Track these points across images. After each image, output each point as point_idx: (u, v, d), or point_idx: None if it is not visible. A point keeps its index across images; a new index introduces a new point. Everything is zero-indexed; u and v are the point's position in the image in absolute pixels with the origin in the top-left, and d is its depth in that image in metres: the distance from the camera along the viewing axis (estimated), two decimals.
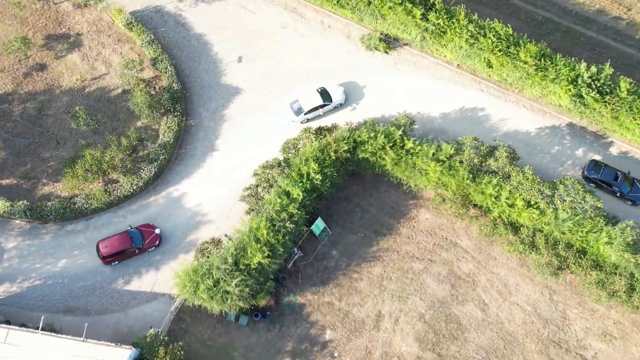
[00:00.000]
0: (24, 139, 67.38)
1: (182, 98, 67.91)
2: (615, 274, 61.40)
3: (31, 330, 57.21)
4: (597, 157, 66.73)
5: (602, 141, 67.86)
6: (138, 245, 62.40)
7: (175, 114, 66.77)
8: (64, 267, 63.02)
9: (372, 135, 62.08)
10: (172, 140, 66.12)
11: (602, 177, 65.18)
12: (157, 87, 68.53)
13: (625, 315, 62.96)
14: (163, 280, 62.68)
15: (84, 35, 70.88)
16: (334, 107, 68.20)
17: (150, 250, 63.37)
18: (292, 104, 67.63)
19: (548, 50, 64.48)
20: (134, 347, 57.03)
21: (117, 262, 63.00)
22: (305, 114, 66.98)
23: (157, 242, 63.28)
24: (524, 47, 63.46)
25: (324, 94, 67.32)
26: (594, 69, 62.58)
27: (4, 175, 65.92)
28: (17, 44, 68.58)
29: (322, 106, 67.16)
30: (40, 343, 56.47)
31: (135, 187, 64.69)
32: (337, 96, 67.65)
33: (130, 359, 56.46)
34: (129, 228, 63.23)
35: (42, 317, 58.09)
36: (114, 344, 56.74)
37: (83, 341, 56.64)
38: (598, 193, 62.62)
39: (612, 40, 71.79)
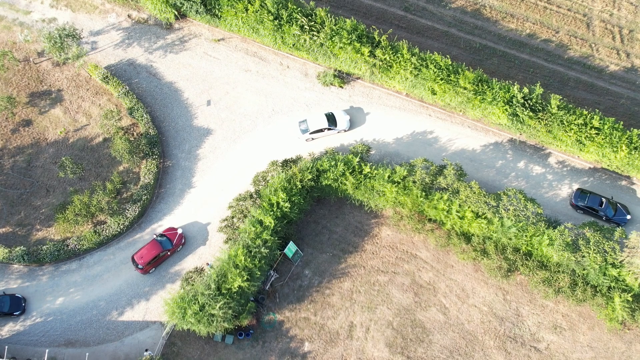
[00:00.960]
0: (16, 189, 73.47)
1: (159, 142, 74.46)
2: (559, 272, 68.62)
3: None
4: (580, 185, 73.39)
5: (541, 153, 75.22)
6: (168, 248, 69.53)
7: (154, 157, 73.30)
8: (61, 304, 69.04)
9: (332, 163, 68.99)
10: (152, 181, 72.58)
11: (588, 204, 71.91)
12: (135, 133, 75.03)
13: (572, 308, 70.07)
14: (153, 308, 68.89)
15: (64, 90, 77.29)
16: (337, 132, 74.85)
17: (178, 249, 70.53)
18: (300, 122, 74.54)
19: (485, 75, 71.83)
20: None
21: (154, 269, 69.91)
22: (310, 133, 73.67)
23: (183, 240, 70.75)
24: (463, 74, 70.81)
25: (331, 119, 74.21)
26: (526, 89, 70.06)
27: None
28: (4, 103, 74.87)
29: (327, 129, 73.86)
30: None
31: (122, 227, 71.00)
32: (342, 123, 74.57)
33: None
34: (155, 236, 69.85)
35: (47, 350, 64.14)
36: None
37: None
38: (586, 218, 69.87)
39: (544, 60, 79.46)
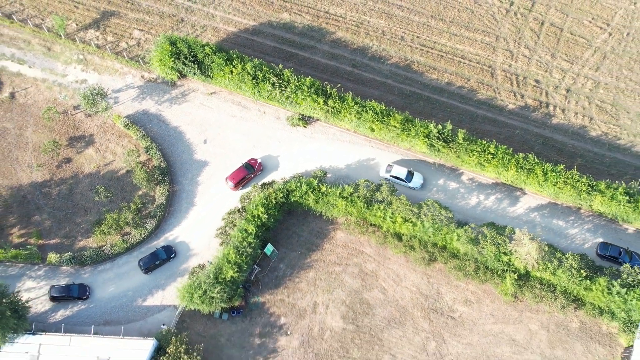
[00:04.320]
0: (61, 211, 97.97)
1: (168, 172, 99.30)
2: (467, 259, 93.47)
3: (86, 335, 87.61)
4: (603, 239, 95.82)
5: (455, 172, 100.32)
6: (251, 172, 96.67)
7: (165, 183, 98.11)
8: (100, 295, 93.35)
9: (298, 185, 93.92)
10: (164, 201, 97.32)
11: (610, 254, 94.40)
12: (150, 166, 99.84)
13: (478, 286, 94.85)
14: (168, 295, 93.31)
15: (95, 135, 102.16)
16: (408, 187, 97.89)
17: (258, 174, 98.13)
18: (388, 164, 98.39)
19: (410, 116, 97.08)
20: (155, 338, 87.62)
21: (242, 187, 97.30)
22: (391, 175, 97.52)
23: (262, 168, 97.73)
24: (393, 116, 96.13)
25: (409, 175, 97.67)
26: (440, 126, 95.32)
27: (51, 237, 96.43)
28: (50, 146, 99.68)
29: (402, 180, 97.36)
30: (93, 343, 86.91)
31: (142, 236, 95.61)
32: (415, 182, 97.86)
33: (153, 346, 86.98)
34: (241, 164, 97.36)
35: (92, 326, 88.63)
36: (142, 337, 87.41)
37: (122, 338, 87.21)
38: (608, 265, 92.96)
39: (459, 102, 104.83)
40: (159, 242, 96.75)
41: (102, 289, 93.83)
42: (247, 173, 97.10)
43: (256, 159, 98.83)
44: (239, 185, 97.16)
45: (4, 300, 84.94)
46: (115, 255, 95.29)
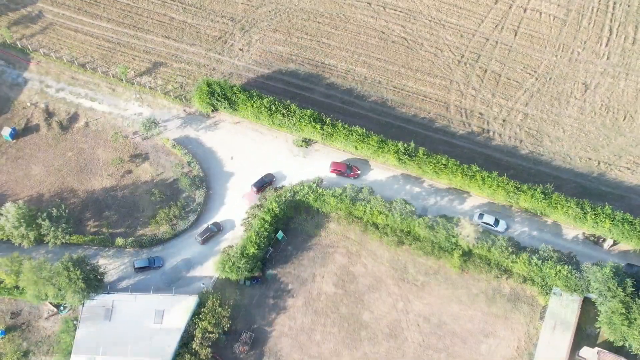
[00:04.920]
0: (125, 208, 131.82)
1: (205, 179, 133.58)
2: (426, 241, 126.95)
3: (147, 293, 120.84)
4: (632, 261, 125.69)
5: (419, 180, 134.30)
6: (349, 172, 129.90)
7: (202, 188, 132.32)
8: (155, 270, 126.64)
9: (301, 188, 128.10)
10: (202, 200, 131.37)
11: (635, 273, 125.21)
12: (191, 175, 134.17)
13: (434, 261, 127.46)
14: (206, 268, 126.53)
15: (149, 153, 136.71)
16: (495, 229, 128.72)
17: (353, 178, 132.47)
18: (480, 213, 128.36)
19: (384, 138, 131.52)
20: (197, 296, 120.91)
21: (335, 176, 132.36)
22: (482, 222, 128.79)
23: (359, 172, 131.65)
24: (371, 138, 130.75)
25: (497, 221, 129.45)
26: (406, 145, 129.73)
27: (117, 227, 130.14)
28: (116, 161, 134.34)
29: (491, 226, 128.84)
30: (152, 299, 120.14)
31: (186, 226, 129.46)
32: (501, 227, 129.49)
33: (196, 301, 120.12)
34: (347, 164, 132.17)
35: (151, 287, 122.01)
36: (188, 295, 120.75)
37: (173, 295, 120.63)
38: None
39: (422, 129, 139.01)
40: (198, 231, 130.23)
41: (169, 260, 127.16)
42: (345, 169, 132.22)
43: (357, 170, 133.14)
44: (337, 172, 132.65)
45: (87, 268, 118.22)
46: (166, 240, 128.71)
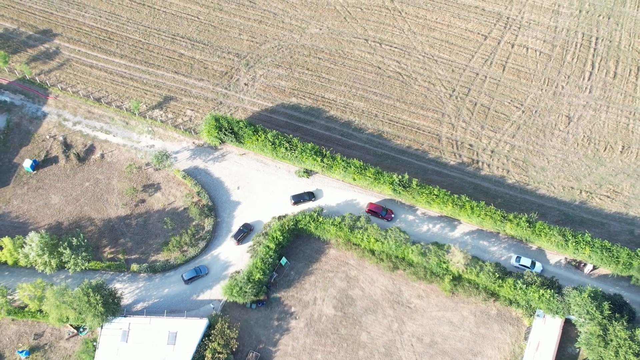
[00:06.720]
0: (139, 235, 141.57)
1: (213, 209, 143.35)
2: (419, 266, 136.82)
3: (161, 316, 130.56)
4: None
5: (413, 209, 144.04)
6: (383, 215, 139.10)
7: (211, 216, 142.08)
8: (167, 293, 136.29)
9: (303, 216, 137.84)
10: (211, 228, 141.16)
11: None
12: (200, 204, 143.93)
13: (426, 285, 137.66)
14: (214, 293, 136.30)
15: (161, 183, 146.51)
16: (532, 271, 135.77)
17: (387, 219, 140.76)
18: (517, 257, 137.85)
19: (380, 169, 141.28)
20: (207, 319, 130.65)
21: (369, 214, 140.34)
22: (519, 264, 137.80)
23: (392, 216, 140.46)
24: (368, 170, 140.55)
25: (533, 264, 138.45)
26: (400, 176, 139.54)
27: (132, 254, 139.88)
28: (131, 191, 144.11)
29: (528, 268, 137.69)
30: (165, 322, 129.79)
31: (196, 252, 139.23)
32: (538, 268, 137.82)
33: (206, 325, 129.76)
34: (383, 207, 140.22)
35: (165, 311, 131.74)
36: (198, 318, 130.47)
37: (185, 318, 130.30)
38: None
39: (415, 160, 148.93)
40: (207, 257, 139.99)
41: (169, 288, 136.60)
42: (380, 212, 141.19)
43: (392, 213, 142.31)
44: (371, 213, 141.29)
45: (105, 292, 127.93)
46: (178, 265, 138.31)
